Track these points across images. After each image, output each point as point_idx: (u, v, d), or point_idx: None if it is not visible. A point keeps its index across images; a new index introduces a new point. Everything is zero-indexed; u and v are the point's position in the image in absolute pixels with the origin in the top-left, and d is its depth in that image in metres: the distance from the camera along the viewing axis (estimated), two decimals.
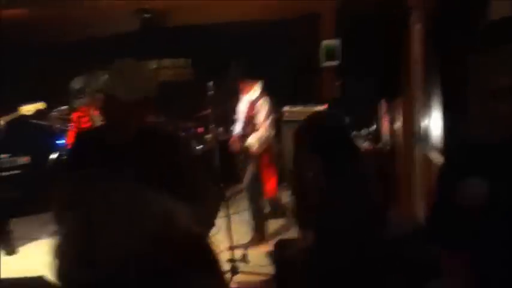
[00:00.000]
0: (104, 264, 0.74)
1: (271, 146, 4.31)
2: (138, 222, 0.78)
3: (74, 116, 4.23)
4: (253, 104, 4.25)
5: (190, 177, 2.00)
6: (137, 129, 1.91)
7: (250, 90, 4.27)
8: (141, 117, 1.93)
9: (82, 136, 2.20)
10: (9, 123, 4.01)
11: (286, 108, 5.43)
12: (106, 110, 1.86)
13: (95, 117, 4.15)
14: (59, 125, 4.31)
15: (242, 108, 4.36)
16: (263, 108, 4.21)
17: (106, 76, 1.85)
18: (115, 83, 1.81)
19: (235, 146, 4.32)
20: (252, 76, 4.30)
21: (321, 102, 5.45)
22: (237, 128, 4.42)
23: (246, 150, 4.20)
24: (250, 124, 4.25)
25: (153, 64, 6.23)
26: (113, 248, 0.75)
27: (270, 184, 4.35)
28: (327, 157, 1.90)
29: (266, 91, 4.28)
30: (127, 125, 1.88)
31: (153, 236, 0.78)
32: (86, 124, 4.17)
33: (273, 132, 4.29)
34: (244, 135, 4.25)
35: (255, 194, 4.28)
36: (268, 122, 4.22)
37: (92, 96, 4.12)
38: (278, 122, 5.00)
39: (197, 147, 4.82)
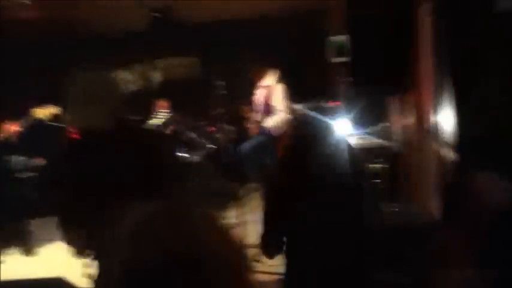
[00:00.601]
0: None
1: (287, 130, 4.48)
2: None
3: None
4: (269, 90, 4.49)
5: (172, 177, 2.01)
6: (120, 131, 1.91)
7: (264, 78, 4.48)
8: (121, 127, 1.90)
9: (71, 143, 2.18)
10: (26, 127, 4.05)
11: (297, 106, 5.45)
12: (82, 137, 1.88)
13: None
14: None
15: (259, 96, 4.55)
16: (279, 93, 4.46)
17: (69, 105, 1.82)
18: (79, 115, 1.81)
19: (253, 129, 4.54)
20: (265, 63, 4.52)
21: (331, 99, 5.44)
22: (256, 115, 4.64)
23: (264, 132, 4.46)
24: (267, 110, 4.49)
25: (160, 63, 6.27)
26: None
27: None
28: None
29: (282, 79, 4.54)
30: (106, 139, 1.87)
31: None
32: None
33: (289, 116, 4.52)
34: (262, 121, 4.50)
35: (255, 161, 4.55)
36: (284, 106, 4.51)
37: None
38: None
39: (207, 146, 4.84)
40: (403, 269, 2.95)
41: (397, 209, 3.40)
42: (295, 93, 5.54)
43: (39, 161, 4.59)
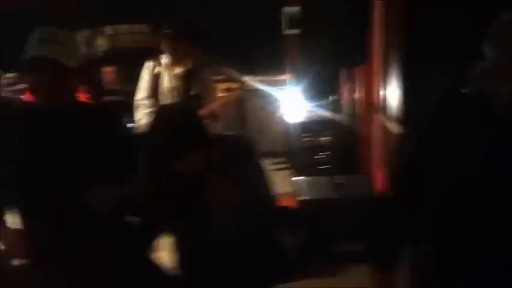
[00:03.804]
0: None
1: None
2: None
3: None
4: (193, 75, 3.46)
5: (127, 152, 1.89)
6: (71, 103, 1.82)
7: (179, 60, 3.42)
8: (75, 86, 1.87)
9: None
10: None
11: (246, 78, 5.41)
12: (46, 77, 1.70)
13: None
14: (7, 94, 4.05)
15: (172, 80, 3.43)
16: (208, 80, 3.61)
17: (42, 43, 1.71)
18: (55, 49, 1.69)
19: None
20: (185, 37, 3.42)
21: (282, 72, 5.44)
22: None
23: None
24: (192, 99, 3.43)
25: (108, 30, 6.01)
26: None
27: None
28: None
29: (205, 58, 3.67)
30: (63, 93, 1.76)
31: None
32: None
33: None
34: None
35: None
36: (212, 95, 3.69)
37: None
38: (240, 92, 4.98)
39: None
40: (349, 239, 3.05)
41: (343, 181, 3.48)
42: (247, 66, 5.51)
43: None
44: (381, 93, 3.64)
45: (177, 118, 1.81)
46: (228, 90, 5.40)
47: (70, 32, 1.83)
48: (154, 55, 3.61)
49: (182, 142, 1.73)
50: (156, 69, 3.52)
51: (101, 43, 6.06)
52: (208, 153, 1.75)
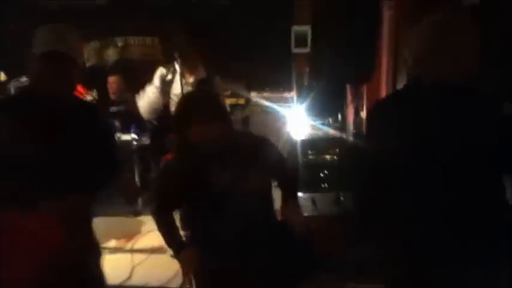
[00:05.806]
0: None
1: None
2: None
3: None
4: (205, 84, 3.41)
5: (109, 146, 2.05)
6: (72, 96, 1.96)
7: (193, 69, 3.41)
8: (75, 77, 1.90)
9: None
10: None
11: (253, 94, 5.41)
12: (51, 67, 1.80)
13: None
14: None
15: (184, 88, 3.34)
16: (220, 89, 3.54)
17: (44, 34, 1.82)
18: (65, 44, 1.79)
19: None
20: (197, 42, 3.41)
21: (290, 89, 5.44)
22: None
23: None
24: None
25: (119, 41, 6.07)
26: None
27: None
28: None
29: (214, 69, 3.53)
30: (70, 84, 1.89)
31: None
32: None
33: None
34: None
35: None
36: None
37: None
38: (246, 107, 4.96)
39: None
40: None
41: (348, 199, 3.43)
42: (254, 82, 5.52)
43: None
44: None
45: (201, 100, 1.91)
46: (235, 105, 5.40)
47: (72, 28, 1.87)
48: (168, 62, 3.63)
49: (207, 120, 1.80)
50: (169, 77, 3.50)
51: (111, 54, 6.11)
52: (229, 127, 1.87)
